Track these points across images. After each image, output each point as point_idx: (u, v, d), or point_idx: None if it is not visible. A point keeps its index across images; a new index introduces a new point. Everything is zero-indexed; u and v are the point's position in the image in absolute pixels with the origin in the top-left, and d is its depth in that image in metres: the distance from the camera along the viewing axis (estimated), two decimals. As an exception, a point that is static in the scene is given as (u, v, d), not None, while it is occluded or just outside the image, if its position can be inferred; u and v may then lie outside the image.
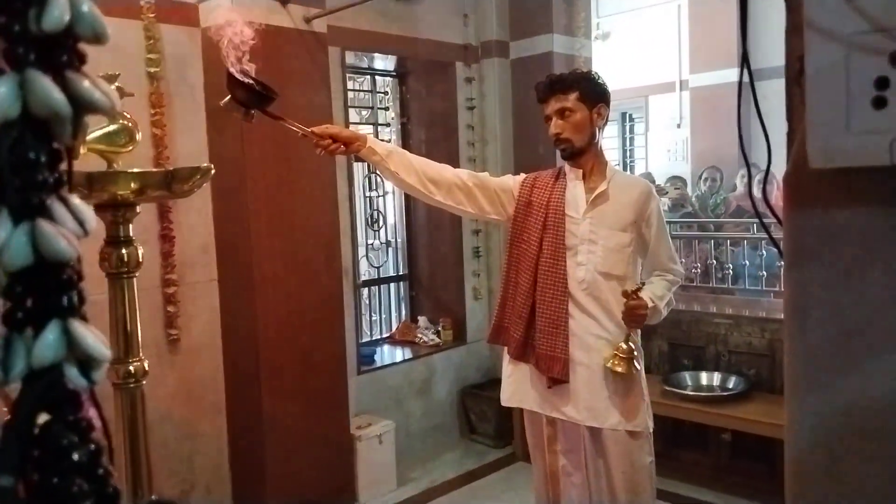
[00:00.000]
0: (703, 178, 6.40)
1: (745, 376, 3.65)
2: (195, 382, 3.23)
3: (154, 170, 2.22)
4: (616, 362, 2.21)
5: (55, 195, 0.39)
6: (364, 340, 4.27)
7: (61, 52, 0.39)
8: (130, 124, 1.81)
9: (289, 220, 3.24)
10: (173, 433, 3.15)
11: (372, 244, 4.49)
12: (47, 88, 0.37)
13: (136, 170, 1.80)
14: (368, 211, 4.46)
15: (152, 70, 3.01)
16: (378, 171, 2.41)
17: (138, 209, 1.86)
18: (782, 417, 0.73)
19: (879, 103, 0.58)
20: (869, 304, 0.65)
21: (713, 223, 5.65)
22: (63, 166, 0.40)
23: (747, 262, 4.39)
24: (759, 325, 3.70)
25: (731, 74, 6.87)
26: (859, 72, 0.59)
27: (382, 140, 4.42)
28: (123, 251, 1.79)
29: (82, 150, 1.65)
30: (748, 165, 2.59)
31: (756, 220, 4.39)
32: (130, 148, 1.82)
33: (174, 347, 3.15)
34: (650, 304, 2.23)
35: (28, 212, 0.38)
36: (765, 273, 4.26)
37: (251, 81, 1.86)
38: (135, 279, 1.84)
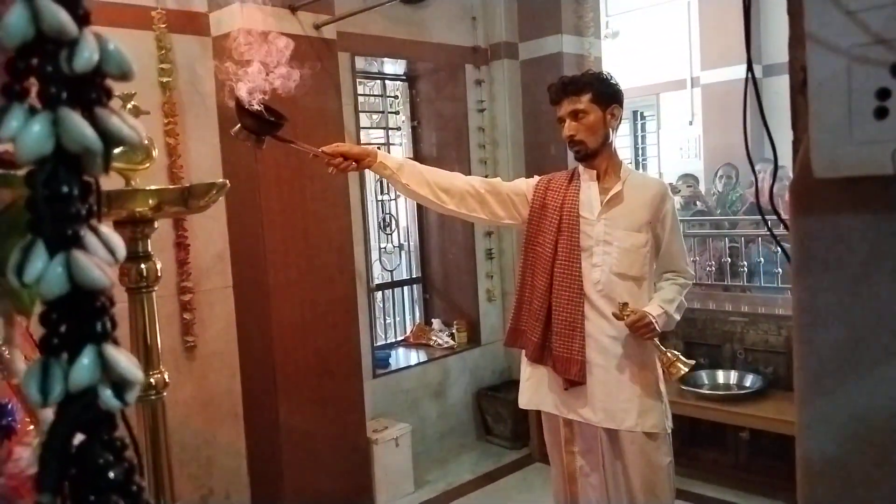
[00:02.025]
0: (718, 175, 6.37)
1: (762, 374, 3.64)
2: (212, 388, 3.26)
3: (171, 187, 2.25)
4: (674, 371, 2.23)
5: (87, 225, 0.41)
6: (379, 344, 4.29)
7: (91, 89, 0.41)
8: (147, 142, 1.83)
9: (302, 226, 3.27)
10: (192, 439, 3.19)
11: (385, 248, 4.51)
12: (80, 125, 0.39)
13: (153, 187, 1.82)
14: (381, 214, 4.48)
15: (164, 80, 3.04)
16: (390, 184, 2.42)
17: (156, 224, 1.88)
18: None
19: (881, 114, 0.60)
20: (877, 309, 0.66)
21: (727, 220, 5.62)
22: (93, 197, 0.42)
23: (762, 260, 4.35)
24: (775, 323, 3.67)
25: (743, 70, 6.81)
26: (861, 83, 0.60)
27: (392, 145, 4.47)
28: (142, 266, 1.82)
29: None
30: (752, 168, 2.58)
31: (769, 218, 4.36)
32: (147, 165, 1.84)
33: (191, 354, 3.19)
34: (658, 312, 2.23)
35: (63, 243, 0.40)
36: (780, 270, 4.22)
37: (260, 109, 1.89)
38: (154, 293, 1.86)
